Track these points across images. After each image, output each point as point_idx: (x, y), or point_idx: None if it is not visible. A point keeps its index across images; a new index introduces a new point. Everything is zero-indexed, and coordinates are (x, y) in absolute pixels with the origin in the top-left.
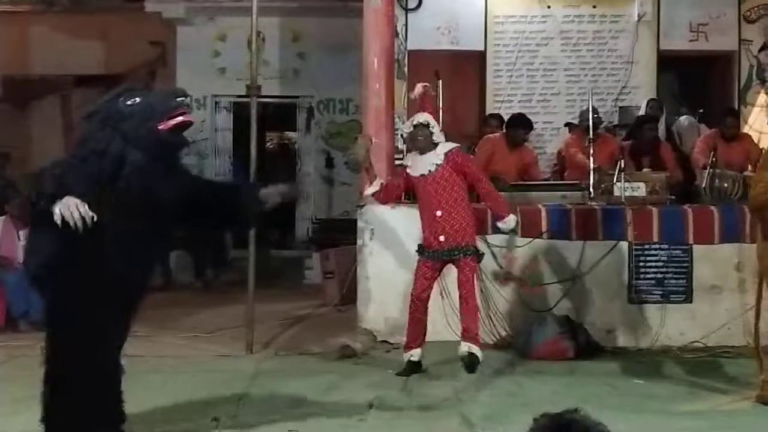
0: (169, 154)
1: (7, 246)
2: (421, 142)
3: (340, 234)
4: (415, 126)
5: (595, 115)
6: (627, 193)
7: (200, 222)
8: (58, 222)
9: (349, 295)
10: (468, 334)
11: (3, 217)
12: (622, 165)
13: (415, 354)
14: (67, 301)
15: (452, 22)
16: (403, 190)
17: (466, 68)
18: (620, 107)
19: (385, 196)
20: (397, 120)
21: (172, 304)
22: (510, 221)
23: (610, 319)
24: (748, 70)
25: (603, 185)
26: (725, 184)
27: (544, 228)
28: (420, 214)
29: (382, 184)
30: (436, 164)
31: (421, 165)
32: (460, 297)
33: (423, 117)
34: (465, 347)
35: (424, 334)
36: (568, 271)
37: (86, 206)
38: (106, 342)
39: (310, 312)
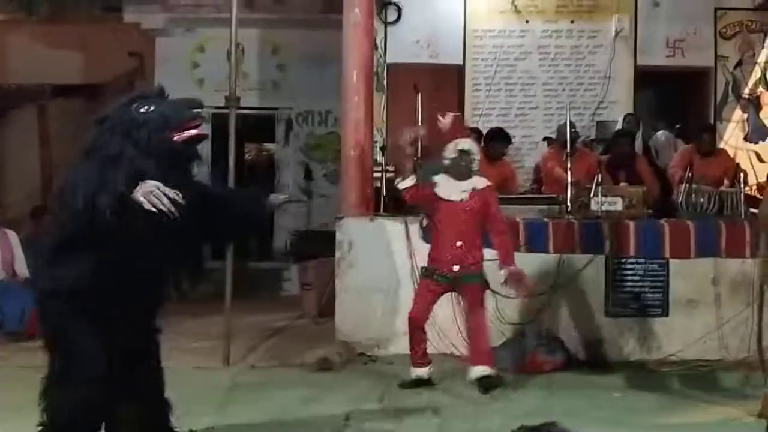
0: (181, 166)
1: None
2: (463, 168)
3: (318, 246)
4: (460, 151)
5: (573, 130)
6: (604, 208)
7: (212, 234)
8: (152, 209)
9: (327, 308)
10: (480, 358)
11: None
12: (600, 179)
13: (422, 372)
14: (66, 314)
15: (431, 36)
16: (423, 202)
17: (445, 82)
18: (597, 122)
19: (413, 196)
20: (376, 133)
21: None
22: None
23: (588, 333)
24: (724, 86)
25: (580, 199)
26: (701, 199)
27: (522, 241)
28: (435, 236)
29: (414, 183)
30: (469, 193)
31: (452, 190)
32: (469, 322)
33: (468, 144)
34: (479, 371)
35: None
36: (546, 284)
37: (168, 189)
38: (103, 353)
39: (288, 324)
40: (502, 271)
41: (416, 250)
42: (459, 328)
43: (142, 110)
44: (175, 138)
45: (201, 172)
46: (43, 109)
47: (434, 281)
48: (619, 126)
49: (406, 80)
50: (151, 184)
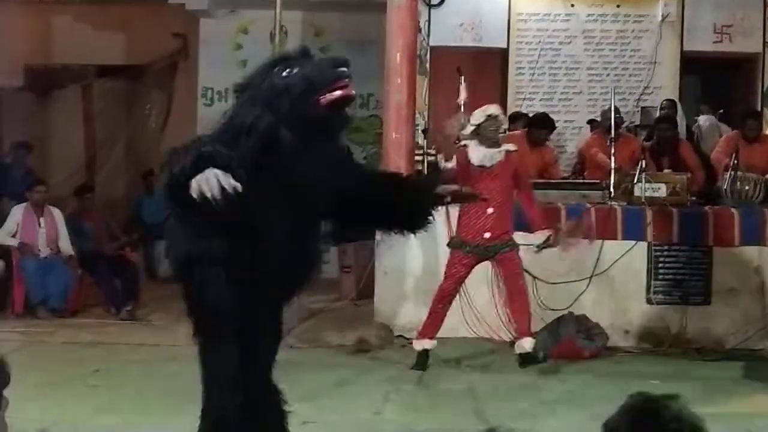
0: (328, 134)
1: (28, 233)
2: (492, 133)
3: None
4: (489, 116)
5: (617, 115)
6: (647, 194)
7: (364, 219)
8: (195, 196)
9: (365, 290)
10: (522, 330)
11: (24, 204)
12: (644, 165)
13: (428, 344)
14: (208, 302)
15: (475, 19)
16: (466, 174)
17: (488, 65)
18: (642, 107)
19: (459, 173)
20: (417, 116)
21: None
22: (543, 236)
23: (628, 320)
24: None
25: (624, 185)
26: (746, 187)
27: (563, 227)
28: (463, 206)
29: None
30: (499, 160)
31: (483, 156)
32: (508, 292)
33: (496, 109)
34: (524, 345)
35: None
36: (587, 270)
37: (230, 177)
38: (255, 347)
39: (326, 306)
40: (531, 236)
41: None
42: (498, 312)
43: (284, 74)
44: (320, 102)
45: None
46: (87, 89)
47: (464, 254)
48: (658, 112)
49: (449, 63)
50: (210, 173)
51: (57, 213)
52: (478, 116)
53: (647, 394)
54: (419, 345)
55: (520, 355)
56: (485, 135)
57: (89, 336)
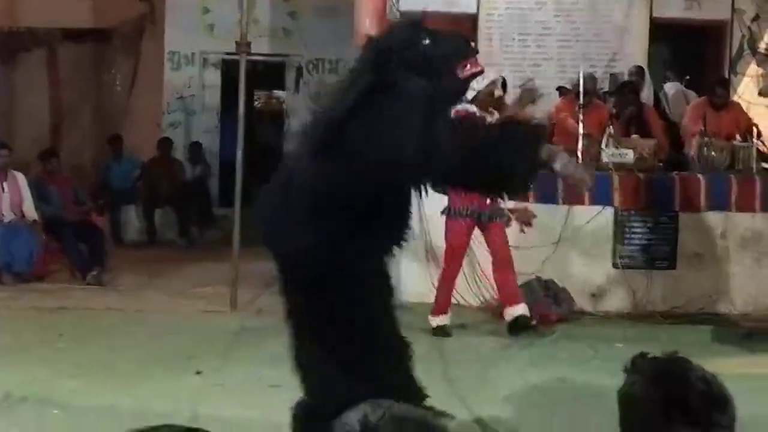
0: (453, 103)
1: None
2: (493, 101)
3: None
4: (491, 82)
5: (591, 80)
6: (615, 159)
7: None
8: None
9: None
10: (511, 299)
11: None
12: (611, 131)
13: (446, 319)
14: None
15: None
16: None
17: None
18: (611, 74)
19: None
20: None
21: (157, 260)
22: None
23: (594, 284)
24: (741, 40)
25: (592, 151)
26: (714, 153)
27: (530, 192)
28: None
29: None
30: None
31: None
32: (500, 261)
33: (495, 75)
34: (516, 310)
35: None
36: (554, 235)
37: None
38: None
39: None
40: None
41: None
42: (466, 278)
43: (426, 42)
44: (460, 75)
45: (208, 118)
46: (52, 53)
47: (464, 218)
48: (625, 78)
49: None
50: (566, 156)
51: (21, 177)
52: (481, 82)
53: (652, 355)
54: (441, 321)
55: (514, 320)
56: (486, 102)
57: (55, 301)
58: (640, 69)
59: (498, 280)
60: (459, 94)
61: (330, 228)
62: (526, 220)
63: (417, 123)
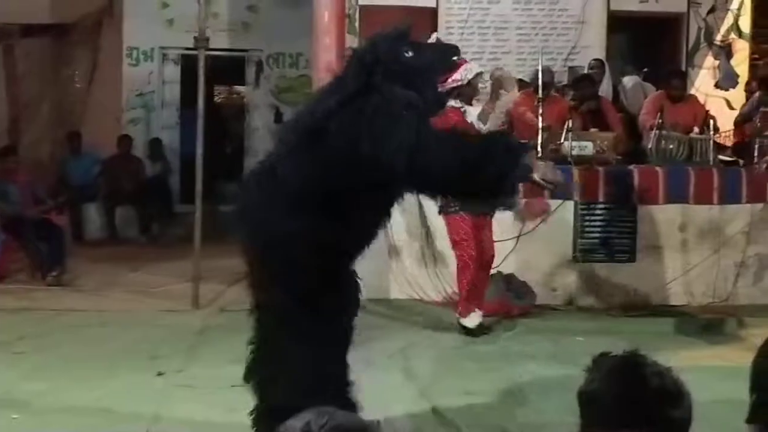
0: (434, 113)
1: None
2: (479, 92)
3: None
4: (477, 74)
5: (547, 76)
6: (575, 152)
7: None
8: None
9: None
10: (479, 303)
11: None
12: (570, 124)
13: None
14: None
15: None
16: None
17: (418, 24)
18: (570, 67)
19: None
20: None
21: (117, 259)
22: None
23: (555, 278)
24: (697, 33)
25: (551, 144)
26: (671, 146)
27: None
28: None
29: None
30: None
31: (471, 117)
32: (483, 261)
33: (479, 67)
34: (475, 318)
35: None
36: (514, 229)
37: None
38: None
39: None
40: None
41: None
42: (427, 273)
43: (408, 54)
44: (441, 86)
45: (168, 114)
46: (9, 49)
47: (466, 212)
48: (585, 71)
49: (379, 22)
50: (547, 165)
51: None
52: (470, 71)
53: (613, 354)
54: (477, 319)
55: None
56: (472, 94)
57: (15, 302)
58: (600, 62)
59: (477, 280)
60: (440, 105)
61: (308, 221)
62: (538, 212)
63: (398, 125)
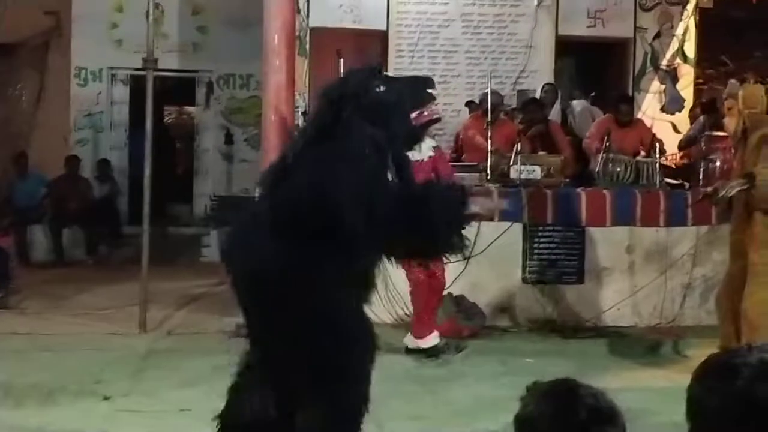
0: (408, 148)
1: None
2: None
3: (239, 211)
4: None
5: (497, 96)
6: (523, 176)
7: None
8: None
9: None
10: (432, 326)
11: None
12: (519, 147)
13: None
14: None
15: (355, 1)
16: None
17: (368, 47)
18: (519, 91)
19: None
20: (298, 97)
21: (64, 281)
22: None
23: (505, 299)
24: (643, 57)
25: (501, 167)
26: (618, 168)
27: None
28: None
29: None
30: (429, 155)
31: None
32: (438, 286)
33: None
34: (431, 340)
35: None
36: (465, 251)
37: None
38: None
39: (207, 290)
40: None
41: None
42: (378, 295)
43: (380, 89)
44: (415, 121)
45: (117, 135)
46: None
47: None
48: (537, 95)
49: (329, 45)
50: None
51: None
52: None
53: (547, 381)
54: (435, 341)
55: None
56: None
57: None
58: (553, 87)
59: (430, 303)
60: (413, 139)
61: (290, 250)
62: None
63: (357, 167)
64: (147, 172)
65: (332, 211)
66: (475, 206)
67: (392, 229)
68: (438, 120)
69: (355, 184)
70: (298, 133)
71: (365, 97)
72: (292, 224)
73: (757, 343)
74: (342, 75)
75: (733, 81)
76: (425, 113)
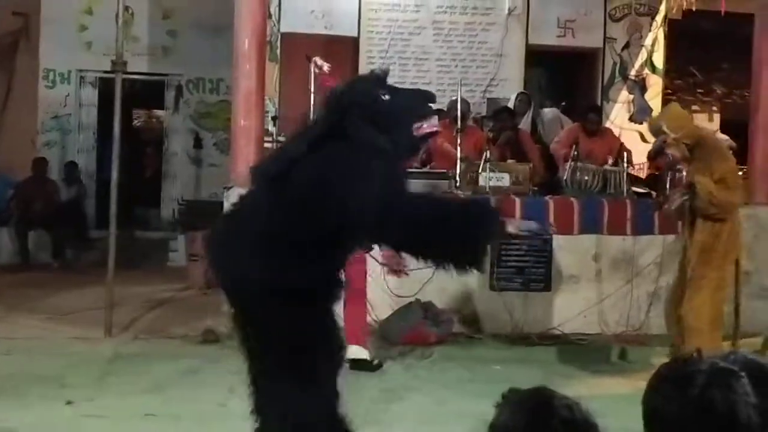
0: (407, 159)
1: None
2: None
3: (207, 216)
4: None
5: (464, 107)
6: (492, 183)
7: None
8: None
9: (214, 279)
10: (351, 337)
11: None
12: (488, 155)
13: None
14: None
15: (327, 7)
16: None
17: (339, 54)
18: (489, 99)
19: None
20: (268, 102)
21: (29, 284)
22: None
23: (472, 306)
24: (612, 67)
25: (469, 175)
26: (586, 177)
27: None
28: None
29: None
30: None
31: None
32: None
33: None
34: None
35: None
36: None
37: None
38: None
39: (174, 295)
40: None
41: None
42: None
43: (384, 98)
44: (416, 132)
45: (85, 138)
46: None
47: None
48: (511, 104)
49: (300, 50)
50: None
51: None
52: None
53: (524, 389)
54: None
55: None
56: None
57: None
58: (525, 96)
59: (354, 312)
60: (413, 150)
61: (281, 257)
62: (398, 268)
63: (363, 170)
64: (114, 175)
65: (342, 208)
66: (511, 226)
67: (408, 231)
68: (437, 133)
69: (368, 181)
70: (300, 135)
71: (371, 105)
72: (293, 223)
73: (706, 351)
74: (348, 81)
75: (649, 117)
76: (425, 126)
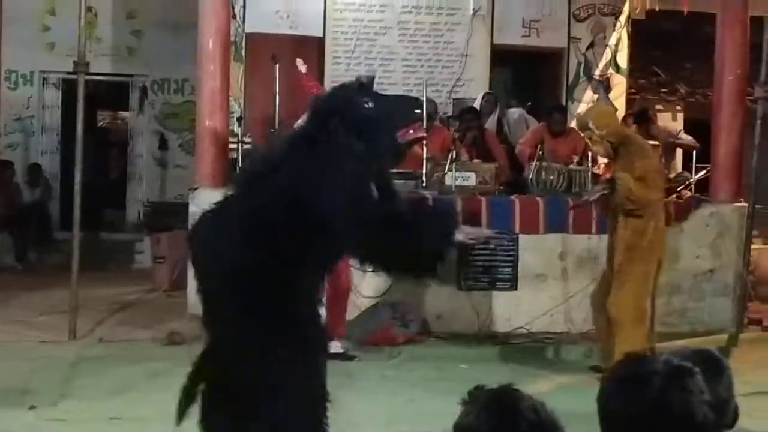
0: (392, 165)
1: None
2: None
3: (172, 218)
4: None
5: (431, 107)
6: (458, 183)
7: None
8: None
9: (180, 281)
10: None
11: None
12: (454, 155)
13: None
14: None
15: (291, 7)
16: None
17: (305, 54)
18: (454, 99)
19: None
20: (233, 102)
21: None
22: None
23: (440, 306)
24: (576, 67)
25: (436, 175)
26: (551, 177)
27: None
28: None
29: None
30: None
31: None
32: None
33: None
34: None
35: None
36: None
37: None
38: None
39: (139, 297)
40: None
41: None
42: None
43: (368, 105)
44: (400, 138)
45: (48, 139)
46: None
47: None
48: (477, 104)
49: (265, 50)
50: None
51: None
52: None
53: (490, 387)
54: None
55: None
56: None
57: None
58: (492, 96)
59: (336, 309)
60: (397, 156)
61: (262, 252)
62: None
63: (343, 173)
64: (77, 176)
65: (317, 210)
66: (460, 235)
67: (372, 238)
68: (423, 138)
69: (341, 186)
70: (282, 141)
71: (353, 112)
72: (270, 225)
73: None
74: (332, 88)
75: (579, 113)
76: (411, 131)
